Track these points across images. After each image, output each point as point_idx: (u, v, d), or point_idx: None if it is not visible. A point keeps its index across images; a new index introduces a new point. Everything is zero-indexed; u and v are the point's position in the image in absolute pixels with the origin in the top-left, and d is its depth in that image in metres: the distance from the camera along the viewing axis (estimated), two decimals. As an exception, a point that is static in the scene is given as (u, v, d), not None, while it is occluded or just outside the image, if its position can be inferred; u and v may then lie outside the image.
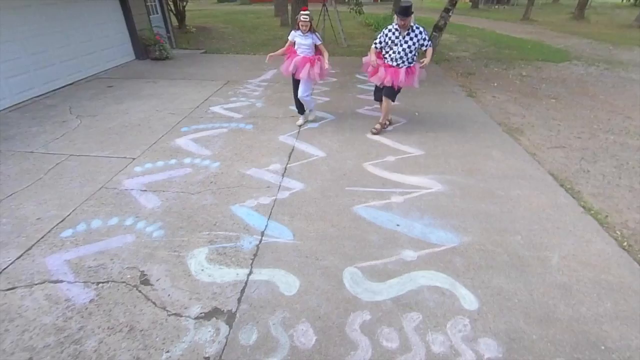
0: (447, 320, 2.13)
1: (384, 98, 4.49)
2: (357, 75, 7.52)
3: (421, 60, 4.09)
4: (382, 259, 2.58)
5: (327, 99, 6.09)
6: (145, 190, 3.36)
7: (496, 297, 2.28)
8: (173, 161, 3.90)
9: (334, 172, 3.74)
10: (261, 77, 7.31)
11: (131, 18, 8.36)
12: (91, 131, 4.65)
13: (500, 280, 2.41)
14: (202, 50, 9.98)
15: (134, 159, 3.95)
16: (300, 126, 4.82)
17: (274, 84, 6.91)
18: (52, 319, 2.09)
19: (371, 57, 4.24)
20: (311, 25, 4.23)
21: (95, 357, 1.89)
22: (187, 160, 3.91)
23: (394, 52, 4.16)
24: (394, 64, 4.20)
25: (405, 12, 3.90)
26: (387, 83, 4.23)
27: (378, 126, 4.67)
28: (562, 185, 3.56)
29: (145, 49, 8.68)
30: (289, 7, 12.63)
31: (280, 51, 4.53)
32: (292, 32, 4.34)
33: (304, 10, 4.13)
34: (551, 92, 6.72)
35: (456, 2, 9.23)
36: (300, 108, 4.87)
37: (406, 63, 4.19)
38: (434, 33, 9.62)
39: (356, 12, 11.48)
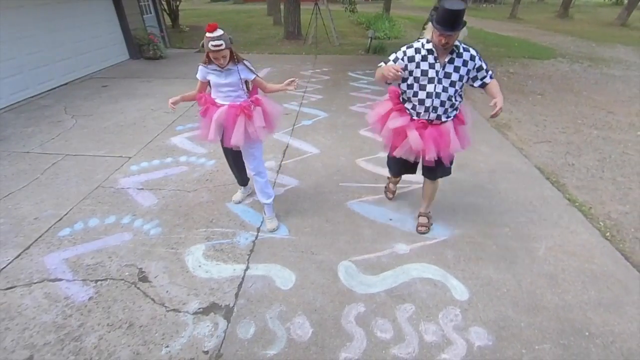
0: (439, 311, 2.18)
1: (425, 181, 2.74)
2: (350, 73, 7.59)
3: (492, 105, 2.21)
4: (375, 253, 2.64)
5: (320, 96, 6.12)
6: (142, 189, 3.38)
7: (486, 287, 2.35)
8: (169, 159, 3.92)
9: (328, 169, 3.79)
10: (255, 76, 7.32)
11: (124, 18, 8.33)
12: (86, 131, 4.66)
13: (490, 271, 2.47)
14: (196, 50, 9.95)
15: (129, 157, 3.97)
16: (238, 202, 3.19)
17: (268, 82, 6.92)
18: (51, 317, 2.11)
19: (387, 72, 2.19)
20: (232, 53, 2.43)
21: (95, 353, 1.91)
22: (183, 159, 3.93)
23: (426, 94, 2.28)
24: (426, 115, 2.34)
25: (453, 20, 2.03)
26: (431, 158, 2.37)
27: (424, 220, 2.87)
28: (548, 179, 3.65)
29: (139, 49, 8.66)
30: (282, 6, 12.64)
31: (189, 95, 2.67)
32: (201, 67, 2.51)
33: (211, 31, 2.28)
34: (537, 89, 6.83)
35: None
36: (242, 177, 3.15)
37: (448, 113, 2.34)
38: (423, 31, 9.67)
39: (350, 10, 11.53)
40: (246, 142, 2.58)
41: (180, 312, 2.16)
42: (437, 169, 2.52)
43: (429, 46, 2.24)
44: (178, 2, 13.67)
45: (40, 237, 2.76)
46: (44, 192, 3.32)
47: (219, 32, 2.30)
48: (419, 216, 2.90)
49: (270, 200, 2.89)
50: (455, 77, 2.24)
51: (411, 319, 2.14)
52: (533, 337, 2.02)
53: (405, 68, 2.30)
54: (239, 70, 2.51)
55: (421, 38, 2.33)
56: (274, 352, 1.93)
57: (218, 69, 2.47)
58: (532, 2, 30.12)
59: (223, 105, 2.56)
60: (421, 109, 2.35)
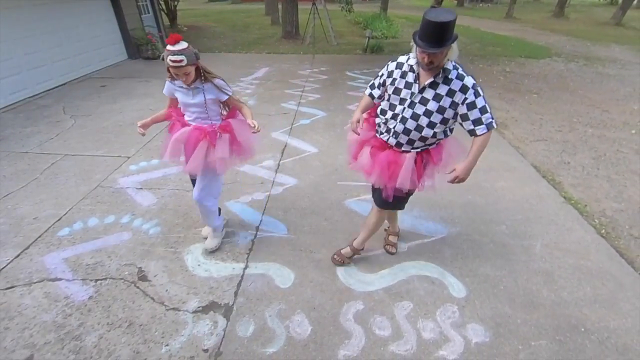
0: (436, 308, 2.21)
1: (374, 208, 2.37)
2: (347, 73, 7.60)
3: (452, 167, 1.94)
4: (373, 251, 2.66)
5: (318, 95, 6.14)
6: (141, 188, 3.39)
7: (483, 284, 2.38)
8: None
9: (326, 168, 3.80)
10: (253, 75, 7.34)
11: (123, 18, 8.32)
12: (85, 131, 4.66)
13: (487, 269, 2.50)
14: (194, 50, 9.94)
15: (128, 157, 3.97)
16: (210, 249, 2.65)
17: (266, 81, 6.95)
18: (51, 316, 2.12)
19: (355, 115, 2.12)
20: (199, 70, 2.13)
21: (95, 352, 1.92)
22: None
23: (392, 114, 1.96)
24: (392, 139, 2.01)
25: (438, 35, 1.60)
26: (377, 184, 2.12)
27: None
28: (544, 177, 3.68)
29: (138, 49, 8.65)
30: (280, 6, 12.64)
31: (159, 115, 2.41)
32: (168, 83, 2.23)
33: (172, 43, 1.97)
34: (533, 88, 6.86)
35: (442, 0, 9.34)
36: None
37: (414, 145, 1.98)
38: None
39: (346, 10, 11.55)
40: (204, 170, 2.32)
41: (179, 310, 2.17)
42: (396, 198, 2.12)
43: (413, 62, 1.83)
44: (176, 2, 13.65)
45: (39, 237, 2.77)
46: (43, 192, 3.33)
47: (182, 45, 1.97)
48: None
49: (215, 224, 2.62)
50: (432, 105, 1.80)
51: (409, 316, 2.16)
52: (529, 333, 2.05)
53: (384, 84, 2.01)
54: (204, 90, 2.17)
55: (411, 53, 1.89)
56: (274, 350, 1.95)
57: (184, 86, 2.16)
58: (528, 2, 30.24)
59: (190, 125, 2.30)
60: (384, 129, 2.05)
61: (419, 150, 2.00)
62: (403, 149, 2.00)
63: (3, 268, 2.47)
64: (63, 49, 6.75)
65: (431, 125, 1.86)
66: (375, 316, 2.16)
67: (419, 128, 1.88)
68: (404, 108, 1.89)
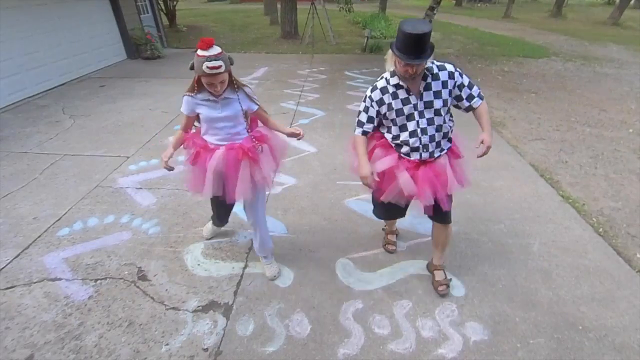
0: (435, 307, 2.22)
1: (435, 226, 2.28)
2: (346, 72, 7.62)
3: (479, 143, 1.93)
4: (372, 250, 2.67)
5: (317, 95, 6.15)
6: (141, 188, 3.40)
7: (481, 283, 2.39)
8: (167, 159, 3.93)
9: (325, 167, 3.81)
10: (252, 75, 7.34)
11: (122, 18, 8.32)
12: (85, 131, 4.66)
13: (485, 267, 2.51)
14: (193, 49, 9.85)
15: (128, 157, 3.98)
16: (209, 238, 2.72)
17: (265, 81, 6.95)
18: (51, 316, 2.12)
19: (360, 163, 1.99)
20: (231, 77, 1.91)
21: (95, 351, 1.93)
22: (181, 158, 3.91)
23: (408, 134, 1.91)
24: (416, 155, 1.95)
25: (418, 46, 1.65)
26: (428, 201, 1.96)
27: (441, 276, 2.35)
28: (542, 176, 3.70)
29: (137, 49, 8.65)
30: (278, 6, 12.65)
31: (177, 139, 2.13)
32: (187, 98, 1.94)
33: (205, 48, 1.73)
34: (531, 87, 6.89)
35: (440, 0, 9.36)
36: (222, 220, 2.60)
37: (442, 146, 1.97)
38: None
39: (346, 10, 11.56)
40: (254, 193, 2.08)
41: (179, 310, 2.18)
42: (445, 213, 2.08)
43: (395, 80, 1.84)
44: (175, 2, 13.63)
45: (39, 237, 2.77)
46: (43, 192, 3.33)
47: (217, 48, 1.74)
48: (433, 270, 2.37)
49: (270, 255, 2.44)
50: (438, 104, 1.84)
51: (408, 315, 2.17)
52: (528, 332, 2.06)
53: (379, 114, 1.94)
54: (240, 99, 1.93)
55: (385, 75, 1.91)
56: (273, 349, 1.96)
57: (212, 98, 1.87)
58: (526, 2, 30.34)
59: (218, 147, 1.98)
60: (406, 150, 1.95)
61: (445, 150, 2.00)
62: (436, 155, 1.97)
63: (3, 268, 2.48)
64: (62, 49, 6.75)
65: (443, 119, 1.91)
66: (374, 315, 2.17)
67: (439, 128, 1.91)
68: (417, 121, 1.88)
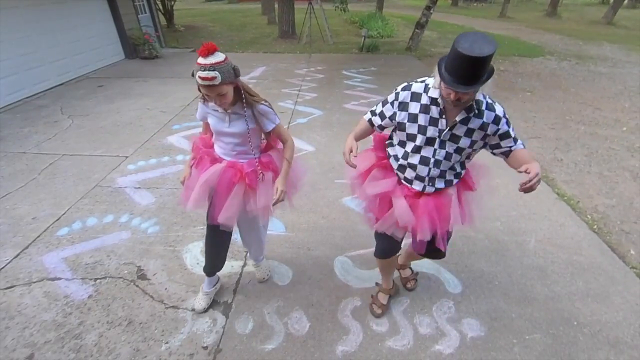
0: (433, 303, 2.24)
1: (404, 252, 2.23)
2: (344, 72, 7.64)
3: (523, 171, 1.47)
4: (370, 248, 2.63)
5: (315, 94, 6.17)
6: (139, 188, 3.40)
7: (478, 280, 2.41)
8: (166, 158, 3.94)
9: (323, 166, 3.83)
10: (250, 75, 7.35)
11: (119, 18, 8.30)
12: (83, 130, 4.66)
13: (482, 264, 2.54)
14: (192, 49, 9.94)
15: (126, 157, 3.98)
16: (202, 311, 2.18)
17: (263, 81, 6.96)
18: (51, 315, 2.13)
19: (348, 137, 1.73)
20: (240, 91, 1.67)
21: (95, 350, 1.94)
22: (180, 157, 3.95)
23: (419, 159, 1.64)
24: (418, 185, 1.71)
25: (472, 71, 1.28)
26: (425, 236, 1.71)
27: (411, 278, 2.37)
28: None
29: (135, 48, 8.64)
30: (276, 6, 12.65)
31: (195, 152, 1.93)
32: (200, 104, 1.80)
33: (205, 55, 1.51)
34: (527, 86, 6.94)
35: (437, 0, 9.40)
36: (215, 263, 2.16)
37: (442, 182, 1.70)
38: (416, 30, 9.77)
39: (341, 10, 11.58)
40: (243, 221, 1.97)
41: (179, 308, 2.19)
42: (437, 250, 1.82)
43: (434, 93, 1.50)
44: (173, 2, 13.61)
45: (38, 236, 2.77)
46: (42, 192, 3.33)
47: (217, 57, 1.52)
48: (399, 268, 2.37)
49: (261, 255, 2.38)
50: (465, 142, 1.54)
51: (406, 311, 2.19)
52: (524, 328, 2.08)
53: (393, 117, 1.64)
54: (247, 117, 1.73)
55: (430, 78, 1.57)
56: (272, 347, 1.97)
57: (220, 109, 1.71)
58: (522, 1, 30.50)
59: (221, 160, 1.85)
60: (411, 175, 1.70)
61: (443, 187, 1.71)
62: (428, 189, 1.70)
63: (3, 268, 2.48)
64: (60, 49, 6.74)
65: (461, 160, 1.66)
66: (372, 312, 2.18)
67: (453, 167, 1.65)
68: (435, 150, 1.58)
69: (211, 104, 1.70)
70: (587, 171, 3.86)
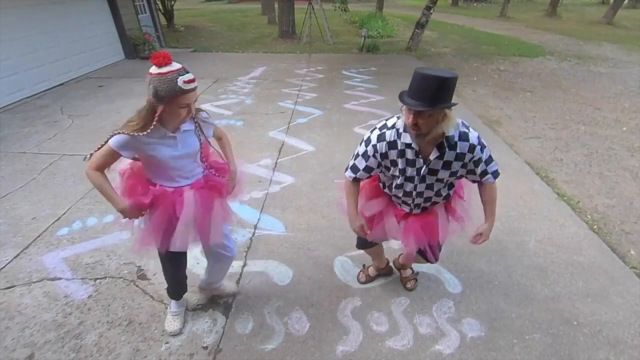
0: (432, 303, 2.24)
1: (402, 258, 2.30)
2: (344, 72, 7.65)
3: (475, 234, 1.82)
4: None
5: (315, 94, 6.17)
6: (139, 188, 3.40)
7: (478, 280, 2.41)
8: (165, 159, 3.93)
9: (323, 166, 3.83)
10: (250, 75, 7.35)
11: (119, 18, 8.31)
12: (83, 131, 4.66)
13: (482, 264, 2.54)
14: (191, 49, 9.95)
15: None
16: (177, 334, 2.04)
17: (263, 81, 6.96)
18: (51, 315, 2.13)
19: (350, 216, 1.84)
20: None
21: (95, 350, 1.94)
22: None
23: (403, 192, 1.77)
24: (416, 210, 1.86)
25: (430, 92, 1.35)
26: (412, 248, 1.89)
27: (411, 278, 2.40)
28: (537, 174, 3.73)
29: (135, 48, 8.66)
30: (276, 6, 12.66)
31: (110, 190, 1.66)
32: (129, 139, 1.53)
33: (164, 63, 1.40)
34: (527, 86, 6.94)
35: (437, 0, 9.41)
36: (179, 286, 2.06)
37: (429, 204, 1.83)
38: (416, 30, 9.78)
39: (341, 10, 11.59)
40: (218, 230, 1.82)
41: (179, 308, 2.19)
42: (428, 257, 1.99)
43: (407, 139, 1.55)
44: (173, 2, 13.62)
45: (38, 236, 2.77)
46: (42, 192, 3.33)
47: (177, 64, 1.41)
48: (400, 268, 2.42)
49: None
50: (444, 174, 1.64)
51: (406, 311, 2.19)
52: (524, 328, 2.08)
53: (380, 166, 1.71)
54: (196, 129, 1.58)
55: (396, 118, 1.63)
56: (272, 347, 1.97)
57: (169, 134, 1.50)
58: (522, 1, 30.54)
59: (180, 189, 1.63)
60: (397, 201, 1.86)
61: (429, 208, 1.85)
62: (415, 211, 1.85)
63: (3, 268, 2.48)
64: (60, 49, 6.74)
65: (445, 184, 1.72)
66: (372, 312, 2.19)
67: (438, 193, 1.75)
68: (416, 185, 1.70)
69: (158, 133, 1.48)
70: (587, 171, 3.86)
